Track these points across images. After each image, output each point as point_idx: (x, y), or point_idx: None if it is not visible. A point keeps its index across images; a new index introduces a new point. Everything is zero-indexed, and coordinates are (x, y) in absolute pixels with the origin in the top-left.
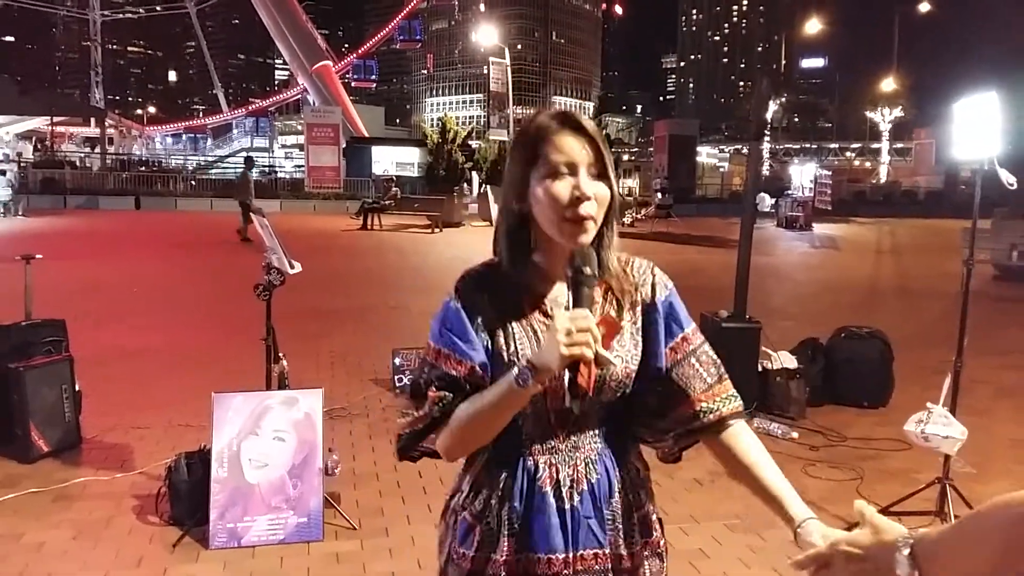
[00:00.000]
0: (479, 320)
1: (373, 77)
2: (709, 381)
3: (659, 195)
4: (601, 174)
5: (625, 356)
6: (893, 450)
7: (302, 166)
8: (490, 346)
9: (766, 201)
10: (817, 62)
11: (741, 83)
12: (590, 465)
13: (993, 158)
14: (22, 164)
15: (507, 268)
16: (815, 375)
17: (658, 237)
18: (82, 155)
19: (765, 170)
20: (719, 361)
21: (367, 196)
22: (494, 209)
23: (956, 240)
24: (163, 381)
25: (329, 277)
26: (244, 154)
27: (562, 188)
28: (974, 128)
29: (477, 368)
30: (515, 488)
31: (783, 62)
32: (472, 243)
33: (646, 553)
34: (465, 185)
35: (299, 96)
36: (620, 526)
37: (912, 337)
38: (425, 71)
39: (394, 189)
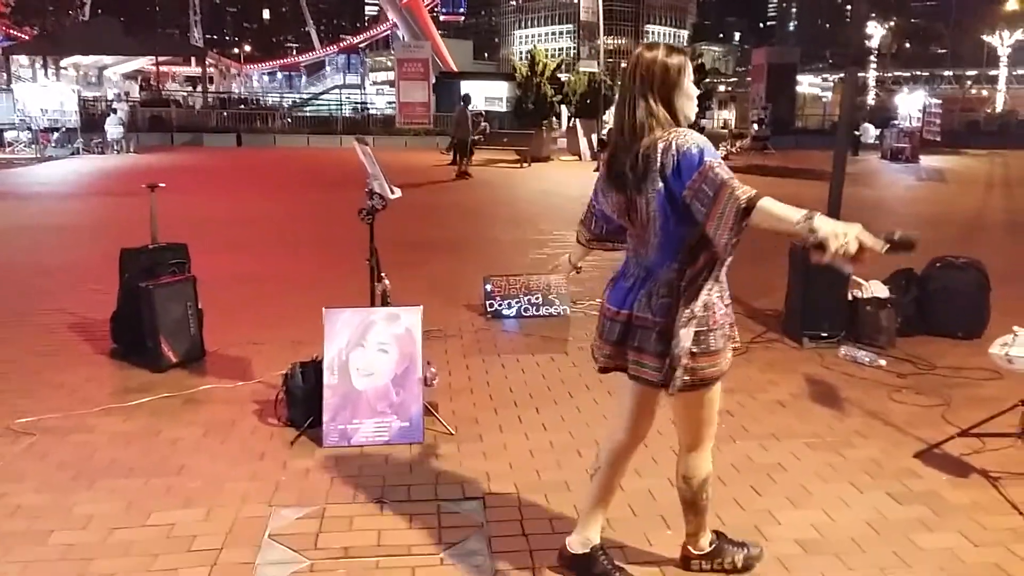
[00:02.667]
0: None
1: (462, 10)
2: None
3: (755, 127)
4: None
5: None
6: (984, 379)
7: (393, 102)
8: None
9: (870, 132)
10: None
11: (848, 7)
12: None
13: None
14: (131, 103)
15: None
16: (908, 305)
17: (752, 170)
18: (185, 94)
19: (870, 99)
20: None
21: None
22: (583, 143)
23: None
24: (276, 302)
25: (423, 210)
26: (463, 94)
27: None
28: None
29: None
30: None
31: None
32: (560, 177)
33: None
34: (554, 119)
35: (389, 32)
36: (644, 301)
37: (1016, 271)
38: (514, 3)
39: (483, 124)
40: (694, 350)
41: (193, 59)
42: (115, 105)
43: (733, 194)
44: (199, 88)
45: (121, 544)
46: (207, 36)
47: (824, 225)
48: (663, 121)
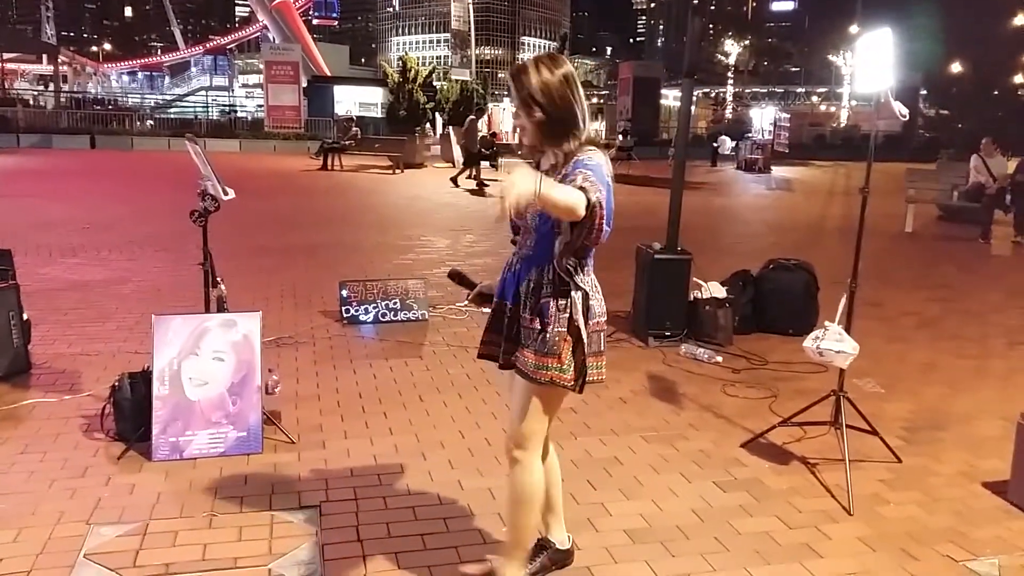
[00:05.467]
0: None
1: (335, 15)
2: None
3: (620, 137)
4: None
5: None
6: (810, 373)
7: (263, 105)
8: None
9: (727, 144)
10: (787, 5)
11: (712, 25)
12: (520, 260)
13: (887, 91)
14: None
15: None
16: (744, 304)
17: (617, 179)
18: (35, 93)
19: (728, 113)
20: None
21: (328, 136)
22: (456, 150)
23: (904, 182)
24: (112, 311)
25: (285, 216)
26: (476, 106)
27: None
28: (873, 63)
29: None
30: (505, 266)
31: (751, 3)
32: (432, 183)
33: (539, 324)
34: (427, 126)
35: (259, 33)
36: (523, 298)
37: (846, 272)
38: (391, 9)
39: (354, 129)
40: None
41: (45, 56)
42: None
43: None
44: (51, 87)
45: None
46: (63, 33)
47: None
48: None
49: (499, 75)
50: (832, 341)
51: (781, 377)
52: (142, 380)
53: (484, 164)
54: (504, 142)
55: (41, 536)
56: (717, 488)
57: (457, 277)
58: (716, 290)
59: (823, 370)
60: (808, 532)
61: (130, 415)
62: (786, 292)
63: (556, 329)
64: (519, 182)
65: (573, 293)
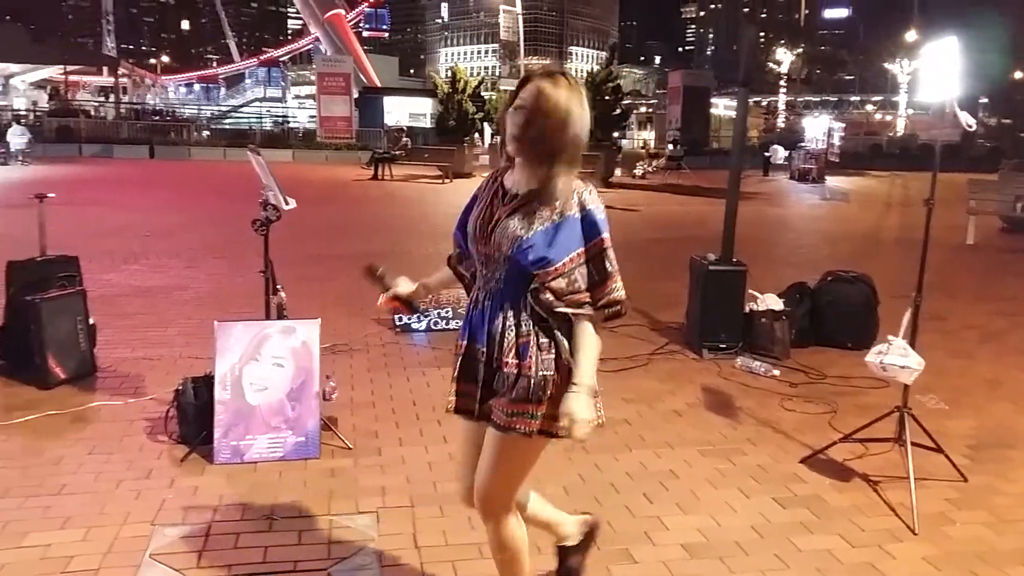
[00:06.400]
0: (476, 192)
1: (385, 26)
2: (594, 279)
3: (670, 147)
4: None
5: (516, 238)
6: (870, 388)
7: (315, 116)
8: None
9: (779, 153)
10: (840, 12)
11: (762, 34)
12: (494, 297)
13: (953, 100)
14: (37, 113)
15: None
16: (801, 317)
17: (667, 188)
18: (96, 104)
19: (780, 122)
20: (611, 270)
21: (379, 146)
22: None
23: (965, 193)
24: (172, 317)
25: (337, 225)
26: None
27: (509, 119)
28: (938, 72)
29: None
30: (469, 304)
31: (803, 11)
32: None
33: (516, 368)
34: (476, 136)
35: (311, 45)
36: (498, 340)
37: (906, 285)
38: (439, 20)
39: (404, 139)
40: None
41: (106, 69)
42: (20, 115)
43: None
44: (111, 98)
45: None
46: (122, 46)
47: None
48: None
49: None
50: (896, 356)
51: (840, 392)
52: (204, 385)
53: None
54: None
55: (109, 535)
56: (776, 504)
57: (371, 274)
58: (773, 302)
59: (884, 385)
60: (871, 551)
61: (193, 419)
62: (845, 305)
63: (540, 373)
64: (582, 414)
65: (556, 330)
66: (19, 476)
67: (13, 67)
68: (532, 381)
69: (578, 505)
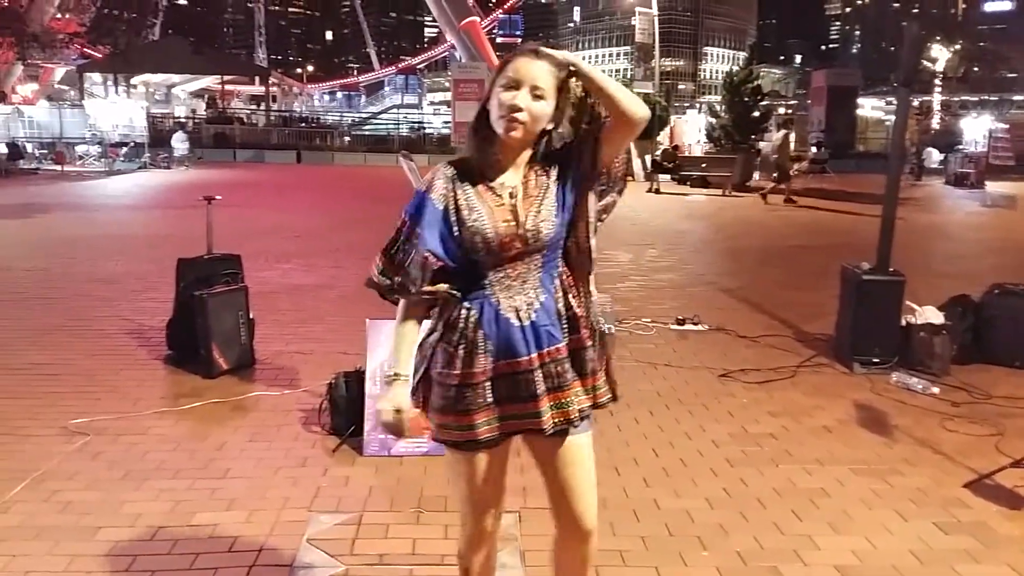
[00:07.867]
0: (446, 202)
1: (518, 32)
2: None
3: (814, 149)
4: (541, 96)
5: (549, 219)
6: None
7: (449, 122)
8: (455, 217)
9: (934, 157)
10: (1003, 5)
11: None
12: (537, 291)
13: None
14: (196, 120)
15: (472, 156)
16: (964, 332)
17: (810, 193)
18: (248, 112)
19: (935, 123)
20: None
21: None
22: (636, 163)
23: None
24: (322, 314)
25: None
26: (781, 117)
27: (505, 97)
28: None
29: (430, 258)
30: (483, 319)
31: (961, 5)
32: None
33: (580, 342)
34: None
35: (447, 53)
36: (564, 327)
37: None
38: (572, 24)
39: None
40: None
41: (257, 78)
42: (181, 122)
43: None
44: (262, 106)
45: (164, 543)
46: (272, 56)
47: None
48: (468, 130)
49: (679, 86)
50: None
51: (1008, 413)
52: (355, 379)
53: (664, 177)
54: (685, 154)
55: (270, 519)
56: (937, 529)
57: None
58: (932, 315)
59: None
60: None
61: (344, 411)
62: (1015, 320)
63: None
64: None
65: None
66: (187, 459)
67: (175, 78)
68: (597, 344)
69: (723, 519)
